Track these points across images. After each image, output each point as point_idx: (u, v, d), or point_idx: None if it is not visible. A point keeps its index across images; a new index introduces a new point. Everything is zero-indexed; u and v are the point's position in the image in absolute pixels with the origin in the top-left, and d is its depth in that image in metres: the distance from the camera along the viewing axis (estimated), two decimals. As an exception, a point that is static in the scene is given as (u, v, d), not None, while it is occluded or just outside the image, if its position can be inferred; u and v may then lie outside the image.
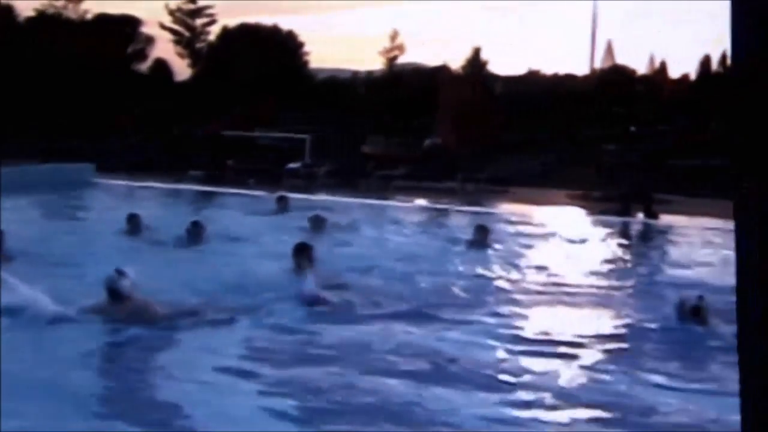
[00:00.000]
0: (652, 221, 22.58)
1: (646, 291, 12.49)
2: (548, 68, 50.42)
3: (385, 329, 9.21)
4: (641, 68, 43.06)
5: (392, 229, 18.87)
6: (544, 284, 12.65)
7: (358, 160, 33.85)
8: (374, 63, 49.22)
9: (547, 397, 7.04)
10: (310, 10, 63.95)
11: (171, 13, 49.46)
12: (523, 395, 7.14)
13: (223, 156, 33.92)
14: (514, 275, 13.26)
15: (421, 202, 25.46)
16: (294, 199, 21.22)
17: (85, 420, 6.11)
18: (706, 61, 41.98)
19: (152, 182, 26.49)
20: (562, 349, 8.67)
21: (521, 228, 19.65)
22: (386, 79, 45.99)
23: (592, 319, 10.46)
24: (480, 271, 13.36)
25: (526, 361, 8.14)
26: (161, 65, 48.47)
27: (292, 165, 33.43)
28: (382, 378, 7.40)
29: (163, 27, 49.43)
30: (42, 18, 47.54)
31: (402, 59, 48.56)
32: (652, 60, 43.09)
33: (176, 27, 49.70)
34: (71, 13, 48.38)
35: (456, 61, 46.81)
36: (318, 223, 16.59)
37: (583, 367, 8.06)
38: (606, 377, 7.76)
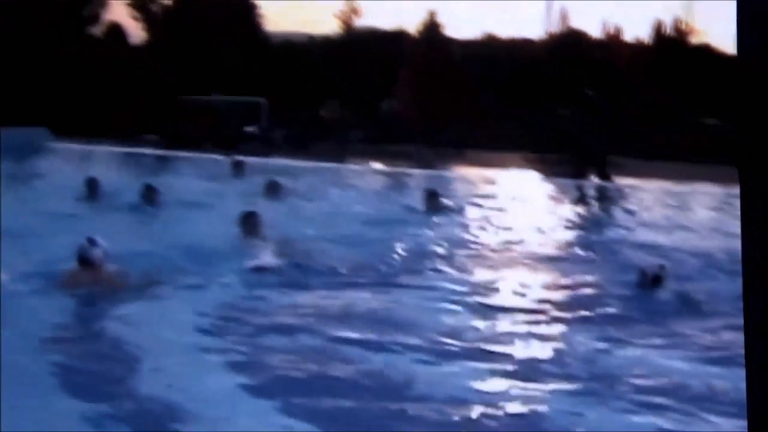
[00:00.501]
0: (606, 183, 22.85)
1: (601, 252, 12.62)
2: (505, 32, 50.31)
3: (338, 294, 9.29)
4: (595, 33, 43.20)
5: (347, 193, 18.90)
6: (499, 246, 12.79)
7: (314, 124, 33.79)
8: (330, 26, 48.96)
9: (506, 364, 7.11)
10: (266, -28, 63.24)
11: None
12: (480, 361, 7.19)
13: (179, 119, 33.71)
14: (468, 238, 13.38)
15: (377, 165, 25.51)
16: (250, 163, 21.18)
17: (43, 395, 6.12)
18: (658, 27, 42.21)
19: (108, 146, 26.30)
20: (518, 314, 8.77)
21: (476, 190, 19.80)
22: (343, 43, 45.77)
23: (549, 281, 10.59)
24: (434, 233, 13.46)
25: (481, 325, 8.23)
26: (115, 29, 47.86)
27: (248, 129, 33.31)
28: (331, 343, 7.47)
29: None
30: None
31: (359, 23, 48.31)
32: (605, 25, 43.24)
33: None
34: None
35: (412, 24, 46.65)
36: (274, 189, 16.61)
37: (540, 331, 8.15)
38: (562, 340, 7.86)
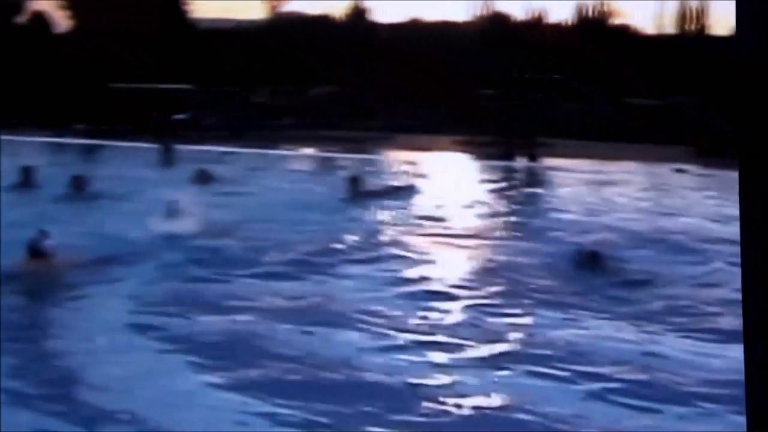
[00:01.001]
0: (533, 164, 23.21)
1: (529, 232, 12.91)
2: (429, 15, 50.43)
3: (264, 280, 9.47)
4: (519, 15, 43.53)
5: (277, 179, 18.98)
6: (430, 230, 12.99)
7: (245, 110, 33.75)
8: (256, 12, 48.65)
9: (437, 340, 7.39)
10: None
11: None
12: (417, 342, 7.46)
13: (108, 108, 33.41)
14: (400, 221, 13.57)
15: (307, 151, 25.62)
16: (181, 150, 21.18)
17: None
18: (581, 10, 42.69)
19: (36, 137, 26.05)
20: (448, 295, 9.03)
21: (403, 173, 20.00)
22: (269, 28, 45.59)
23: (481, 262, 10.82)
24: (364, 218, 13.65)
25: (416, 309, 8.51)
26: (39, 17, 47.12)
27: (178, 116, 33.14)
28: (272, 323, 7.69)
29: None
30: None
31: (285, 8, 48.11)
32: (528, 7, 43.61)
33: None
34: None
35: (337, 9, 46.58)
36: (204, 176, 16.71)
37: (476, 311, 8.42)
38: (505, 317, 8.15)
